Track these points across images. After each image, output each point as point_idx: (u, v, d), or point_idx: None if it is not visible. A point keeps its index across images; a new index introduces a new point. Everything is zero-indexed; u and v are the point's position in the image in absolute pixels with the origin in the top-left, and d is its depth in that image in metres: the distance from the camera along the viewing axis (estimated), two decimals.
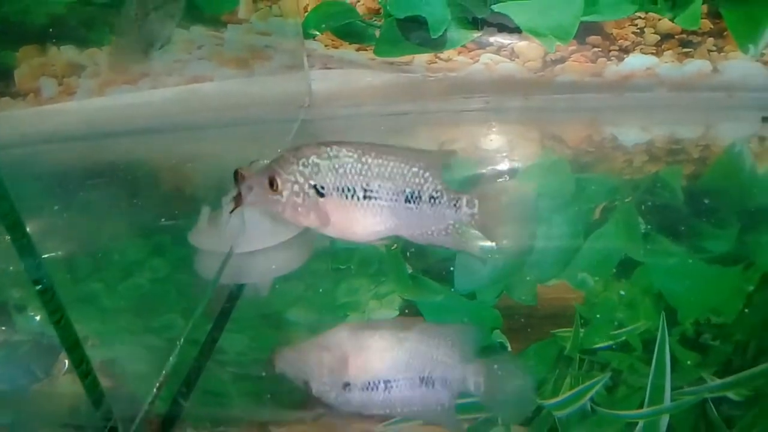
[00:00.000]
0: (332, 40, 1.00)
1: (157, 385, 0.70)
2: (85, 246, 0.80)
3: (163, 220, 0.93)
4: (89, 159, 0.91)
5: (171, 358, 0.72)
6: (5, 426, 0.74)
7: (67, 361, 0.75)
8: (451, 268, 0.91)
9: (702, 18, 0.95)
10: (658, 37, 0.97)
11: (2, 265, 0.85)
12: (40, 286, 0.61)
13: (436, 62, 1.03)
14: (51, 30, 0.96)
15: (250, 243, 0.82)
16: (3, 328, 0.84)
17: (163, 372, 0.71)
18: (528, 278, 0.90)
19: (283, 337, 0.83)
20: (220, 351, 0.75)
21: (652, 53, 1.00)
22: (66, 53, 0.98)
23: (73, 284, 0.72)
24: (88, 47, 0.93)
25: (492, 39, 0.99)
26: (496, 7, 0.98)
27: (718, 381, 0.73)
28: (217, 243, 0.82)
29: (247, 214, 0.84)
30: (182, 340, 0.74)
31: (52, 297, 0.62)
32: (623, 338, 0.80)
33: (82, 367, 0.64)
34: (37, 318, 0.81)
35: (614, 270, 0.89)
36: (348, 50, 1.00)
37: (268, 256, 0.85)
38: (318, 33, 1.00)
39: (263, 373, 0.76)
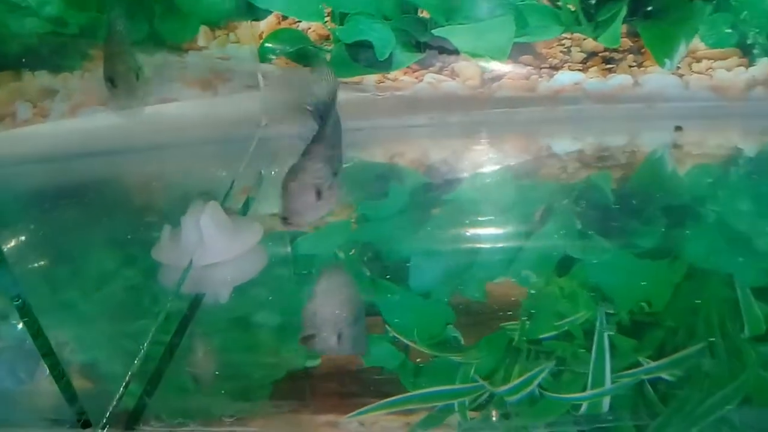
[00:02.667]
0: (287, 63, 1.05)
1: (125, 383, 0.74)
2: (61, 260, 0.82)
3: (128, 236, 0.92)
4: (63, 179, 0.93)
5: (136, 360, 0.77)
6: None
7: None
8: (407, 269, 0.97)
9: (622, 37, 1.01)
10: (584, 55, 1.04)
11: None
12: (17, 301, 0.65)
13: (384, 82, 1.08)
14: (25, 58, 0.99)
15: (207, 256, 0.86)
16: None
17: (129, 372, 0.75)
18: (477, 277, 0.95)
19: (242, 336, 0.87)
20: (182, 352, 0.79)
21: (579, 70, 1.06)
22: (40, 78, 1.01)
23: (51, 294, 0.75)
24: (61, 72, 0.95)
25: (434, 60, 1.05)
26: (436, 32, 1.04)
27: (653, 363, 0.78)
28: (177, 257, 0.87)
29: (204, 230, 0.88)
30: (146, 344, 0.79)
31: (27, 310, 0.66)
32: (565, 328, 0.83)
33: (56, 370, 0.68)
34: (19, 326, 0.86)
35: (554, 267, 0.94)
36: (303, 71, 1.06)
37: (226, 267, 0.89)
38: (274, 57, 1.04)
39: (222, 371, 0.80)
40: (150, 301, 0.91)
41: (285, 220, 0.67)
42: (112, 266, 0.95)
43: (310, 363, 0.81)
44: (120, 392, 0.74)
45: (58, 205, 0.99)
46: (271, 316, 0.91)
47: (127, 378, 0.76)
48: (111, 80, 0.85)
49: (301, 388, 0.80)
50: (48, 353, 0.69)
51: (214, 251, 0.88)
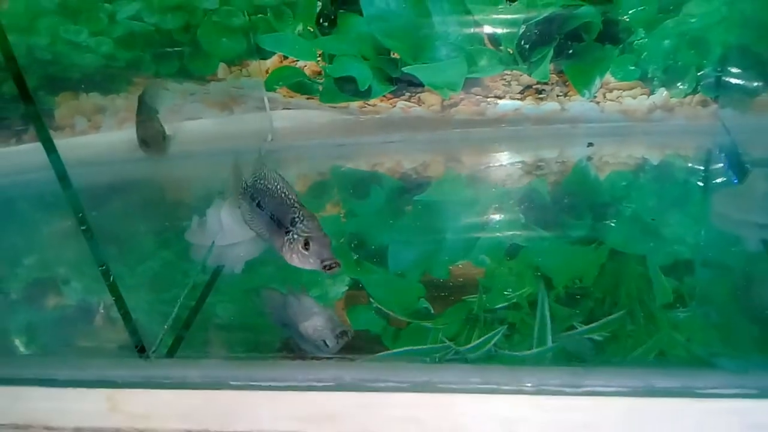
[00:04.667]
0: (288, 92, 1.21)
1: (166, 326, 0.91)
2: (114, 242, 0.95)
3: (166, 224, 1.11)
4: (113, 179, 1.06)
5: (175, 309, 0.95)
6: (75, 347, 0.96)
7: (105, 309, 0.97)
8: (386, 254, 1.10)
9: (550, 73, 1.16)
10: (521, 87, 1.18)
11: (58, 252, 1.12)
12: (102, 267, 0.80)
13: (365, 107, 1.23)
14: (83, 83, 1.15)
15: (226, 239, 1.04)
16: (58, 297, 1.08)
17: (171, 316, 0.93)
18: (443, 260, 1.10)
19: (250, 297, 1.04)
20: (208, 306, 0.97)
21: (518, 99, 1.21)
22: (93, 99, 1.17)
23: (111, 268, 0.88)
24: (110, 94, 1.11)
25: (404, 91, 1.20)
26: (405, 69, 1.18)
27: (585, 327, 0.92)
28: (203, 239, 1.05)
29: (224, 219, 1.04)
30: (182, 297, 0.96)
31: (107, 272, 0.80)
32: (514, 300, 0.99)
33: (124, 312, 0.83)
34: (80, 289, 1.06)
35: (504, 252, 1.09)
36: (300, 99, 1.21)
37: (240, 247, 1.06)
38: (277, 87, 1.20)
39: (235, 325, 0.98)
40: (185, 271, 1.07)
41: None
42: (153, 247, 1.11)
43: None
44: (163, 331, 0.91)
45: (110, 200, 1.11)
46: (272, 284, 1.04)
47: (168, 322, 0.93)
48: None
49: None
50: (119, 299, 0.83)
51: (230, 235, 1.04)
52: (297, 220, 0.83)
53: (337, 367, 0.84)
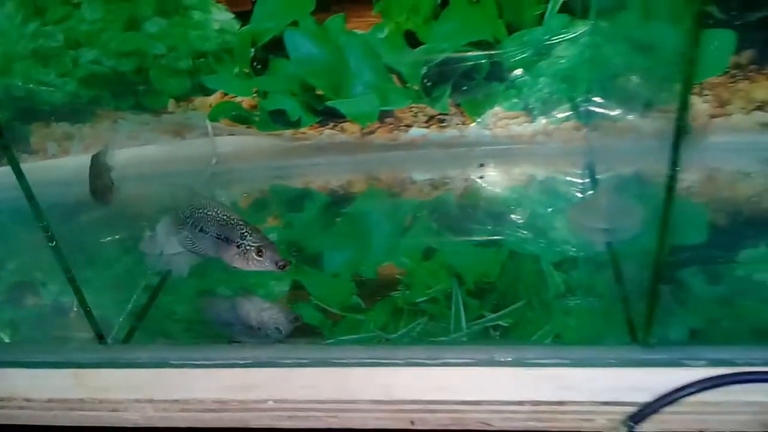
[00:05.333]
0: (229, 123, 1.32)
1: (121, 318, 1.04)
2: (79, 251, 1.06)
3: (124, 234, 1.21)
4: (79, 196, 1.15)
5: (129, 305, 1.07)
6: (47, 336, 1.08)
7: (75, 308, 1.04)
8: (322, 258, 1.21)
9: (450, 106, 1.27)
10: (427, 117, 1.29)
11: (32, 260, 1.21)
12: (69, 274, 0.93)
13: (297, 134, 1.32)
14: (53, 115, 1.28)
15: (172, 248, 1.12)
16: (33, 296, 1.18)
17: (126, 310, 1.05)
18: (370, 262, 1.21)
19: (197, 293, 1.16)
20: (158, 303, 1.08)
21: (425, 126, 1.31)
22: (62, 127, 1.31)
23: (76, 271, 0.97)
24: (76, 124, 1.24)
25: (329, 121, 1.31)
26: (328, 103, 1.28)
27: (493, 315, 1.03)
28: (154, 248, 1.15)
29: (170, 232, 1.14)
30: (135, 295, 1.08)
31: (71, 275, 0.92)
32: (432, 294, 1.10)
33: (84, 306, 0.95)
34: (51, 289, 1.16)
35: (421, 254, 1.20)
36: (241, 128, 1.32)
37: (184, 255, 1.13)
38: (220, 119, 1.32)
39: (181, 317, 1.10)
40: (138, 274, 1.16)
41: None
42: (111, 255, 1.21)
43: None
44: (119, 323, 1.03)
45: (76, 214, 1.21)
46: (213, 283, 1.16)
47: (123, 315, 1.05)
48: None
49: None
50: (82, 297, 0.94)
51: (176, 246, 1.13)
52: (246, 234, 0.98)
53: (255, 348, 0.96)
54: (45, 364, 0.97)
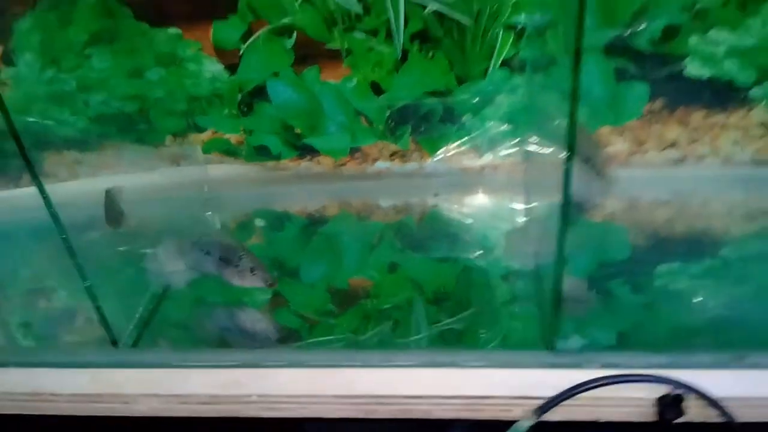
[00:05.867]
0: (220, 156, 1.37)
1: (132, 324, 1.13)
2: (93, 265, 1.10)
3: (131, 251, 1.27)
4: (93, 215, 1.21)
5: (137, 314, 1.15)
6: (62, 345, 1.15)
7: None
8: (299, 271, 1.27)
9: (411, 143, 1.32)
10: (390, 152, 1.34)
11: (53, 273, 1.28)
12: (86, 285, 1.02)
13: (278, 166, 1.36)
14: (64, 145, 1.33)
15: (173, 266, 1.21)
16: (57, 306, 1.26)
17: (134, 320, 1.14)
18: (343, 275, 1.27)
19: (192, 305, 1.23)
20: (160, 312, 1.17)
21: (389, 160, 1.35)
22: (73, 155, 1.35)
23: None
24: (85, 152, 1.26)
25: (306, 154, 1.35)
26: (305, 140, 1.33)
27: (449, 320, 1.11)
28: (157, 265, 1.22)
29: (171, 251, 1.22)
30: (142, 306, 1.16)
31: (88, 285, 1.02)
32: (398, 301, 1.18)
33: (100, 315, 1.05)
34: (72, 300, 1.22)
35: (387, 268, 1.26)
36: (230, 160, 1.37)
37: (183, 272, 1.22)
38: (211, 152, 1.36)
39: (182, 323, 1.18)
40: (144, 287, 1.22)
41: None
42: (121, 268, 1.27)
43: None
44: (129, 330, 1.11)
45: (84, 232, 1.23)
46: (207, 295, 1.22)
47: (133, 323, 1.13)
48: (108, 220, 1.21)
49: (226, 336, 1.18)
50: (98, 307, 1.04)
51: (176, 263, 1.21)
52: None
53: (242, 352, 1.07)
54: (68, 365, 1.05)
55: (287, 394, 0.98)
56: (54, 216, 0.98)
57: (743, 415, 0.90)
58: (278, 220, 1.43)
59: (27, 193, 1.29)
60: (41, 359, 1.07)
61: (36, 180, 0.95)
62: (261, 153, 1.39)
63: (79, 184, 1.41)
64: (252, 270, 1.12)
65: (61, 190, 1.39)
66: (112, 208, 1.21)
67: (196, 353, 1.08)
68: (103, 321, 1.06)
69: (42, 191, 0.96)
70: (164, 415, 1.03)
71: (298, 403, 0.99)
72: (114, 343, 1.08)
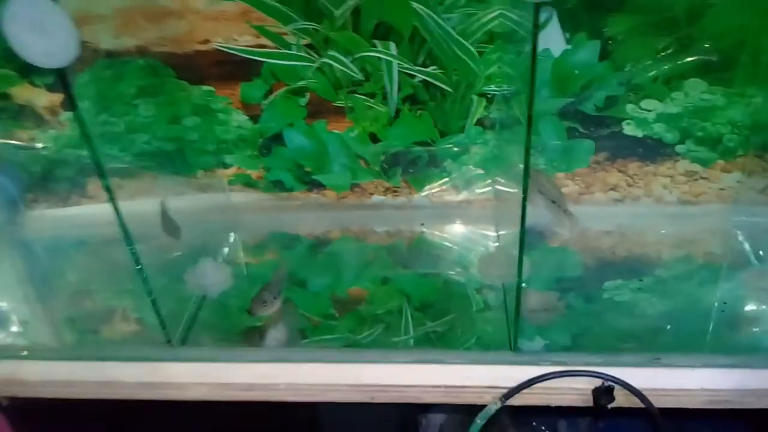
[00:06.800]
0: (241, 187, 1.45)
1: (181, 326, 1.24)
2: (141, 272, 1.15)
3: (173, 265, 1.32)
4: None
5: (183, 319, 1.25)
6: (132, 340, 1.25)
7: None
8: (307, 282, 1.37)
9: (401, 181, 1.40)
10: (384, 188, 1.42)
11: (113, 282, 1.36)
12: (139, 266, 1.09)
13: (290, 197, 1.43)
14: (108, 172, 1.23)
15: (208, 280, 1.34)
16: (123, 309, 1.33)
17: (181, 323, 1.24)
18: (343, 285, 1.38)
19: (228, 311, 1.32)
20: (200, 317, 1.28)
21: (383, 195, 1.48)
22: (114, 180, 1.19)
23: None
24: (125, 178, 1.22)
25: (314, 188, 1.44)
26: (314, 176, 1.40)
27: (431, 324, 1.24)
28: (196, 279, 1.32)
29: (207, 268, 1.33)
30: (187, 312, 1.26)
31: (146, 279, 1.11)
32: (390, 309, 1.29)
33: (160, 319, 1.15)
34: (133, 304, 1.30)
35: (380, 281, 1.37)
36: (250, 191, 1.45)
37: (217, 286, 1.34)
38: (236, 185, 1.44)
39: (219, 326, 1.27)
40: (186, 296, 1.31)
41: (248, 312, 1.21)
42: (170, 279, 1.30)
43: (259, 323, 1.26)
44: (179, 331, 1.22)
45: (119, 245, 1.26)
46: (237, 302, 1.32)
47: (182, 326, 1.23)
48: (166, 231, 1.27)
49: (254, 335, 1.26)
50: (158, 313, 1.15)
51: (212, 278, 1.35)
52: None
53: (272, 351, 1.20)
54: (134, 358, 1.17)
55: (309, 383, 1.12)
56: (124, 229, 1.04)
57: (659, 402, 1.06)
58: (290, 241, 1.52)
59: (75, 211, 1.51)
60: (110, 354, 1.19)
61: (112, 200, 1.03)
62: (277, 186, 1.48)
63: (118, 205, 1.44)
64: (264, 302, 1.21)
65: (103, 210, 1.50)
66: (169, 220, 1.26)
67: (236, 351, 1.21)
68: (161, 323, 1.17)
69: (116, 209, 1.03)
70: (211, 399, 1.14)
71: (317, 390, 1.12)
72: (169, 341, 1.19)
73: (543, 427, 1.46)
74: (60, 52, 0.80)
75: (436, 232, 1.51)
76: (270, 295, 1.22)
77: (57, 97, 1.38)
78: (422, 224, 1.50)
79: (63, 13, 0.80)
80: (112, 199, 1.02)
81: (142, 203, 1.18)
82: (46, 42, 0.79)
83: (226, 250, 1.50)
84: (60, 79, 0.89)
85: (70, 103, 0.94)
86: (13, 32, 0.78)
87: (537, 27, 0.85)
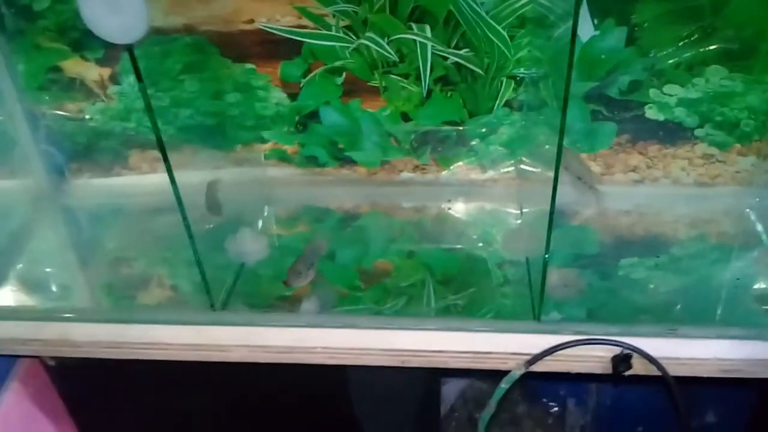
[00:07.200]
0: (277, 162, 1.49)
1: (222, 292, 1.28)
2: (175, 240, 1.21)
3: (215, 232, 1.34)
4: (162, 204, 1.18)
5: (227, 280, 1.31)
6: (179, 304, 1.30)
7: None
8: (335, 254, 1.41)
9: (429, 159, 1.39)
10: (413, 166, 1.43)
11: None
12: (190, 235, 1.12)
13: (324, 172, 1.46)
14: (150, 145, 1.42)
15: (247, 248, 1.36)
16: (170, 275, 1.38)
17: (224, 287, 1.29)
18: (369, 257, 1.42)
19: (266, 278, 1.36)
20: (239, 283, 1.32)
21: (411, 172, 1.52)
22: (154, 153, 1.44)
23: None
24: (167, 151, 1.17)
25: (346, 164, 1.46)
26: (347, 153, 1.41)
27: (452, 297, 1.28)
28: (235, 248, 1.35)
29: (246, 238, 1.36)
30: (229, 279, 1.31)
31: (195, 250, 1.15)
32: (414, 281, 1.33)
33: (205, 284, 1.20)
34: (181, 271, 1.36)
35: (405, 256, 1.41)
36: (285, 165, 1.49)
37: (254, 254, 1.37)
38: (271, 159, 1.48)
39: (254, 291, 1.31)
40: (229, 263, 1.35)
41: (284, 283, 1.23)
42: (212, 247, 1.29)
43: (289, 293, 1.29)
44: (221, 296, 1.27)
45: (162, 216, 1.41)
46: (273, 272, 1.35)
47: (224, 291, 1.28)
48: (209, 208, 1.31)
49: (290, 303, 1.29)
50: (204, 277, 1.19)
51: (251, 247, 1.38)
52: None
53: (308, 317, 1.24)
54: (178, 322, 1.21)
55: (344, 347, 1.16)
56: (179, 200, 1.08)
57: (674, 371, 1.11)
58: (321, 215, 1.55)
59: (117, 181, 1.56)
60: (159, 317, 1.23)
61: (169, 172, 1.06)
62: (310, 161, 1.53)
63: (158, 177, 1.43)
64: (299, 273, 1.24)
65: (145, 181, 1.56)
66: (213, 198, 1.30)
67: (275, 315, 1.26)
68: (206, 288, 1.21)
69: (173, 180, 1.07)
70: (251, 361, 1.18)
71: (351, 354, 1.17)
72: (212, 306, 1.23)
73: (552, 403, 1.54)
74: (132, 28, 0.84)
75: (461, 209, 1.54)
76: (304, 266, 1.24)
77: (106, 71, 1.43)
78: (448, 201, 1.54)
79: None
80: (169, 169, 1.05)
81: (182, 175, 1.17)
82: (120, 19, 0.83)
83: (260, 222, 1.53)
84: (129, 55, 0.94)
85: (137, 78, 0.99)
86: (90, 11, 0.83)
87: (577, 14, 0.88)
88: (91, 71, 1.43)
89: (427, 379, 1.40)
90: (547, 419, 1.54)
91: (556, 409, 1.55)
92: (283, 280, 1.23)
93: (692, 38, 1.29)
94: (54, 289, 1.40)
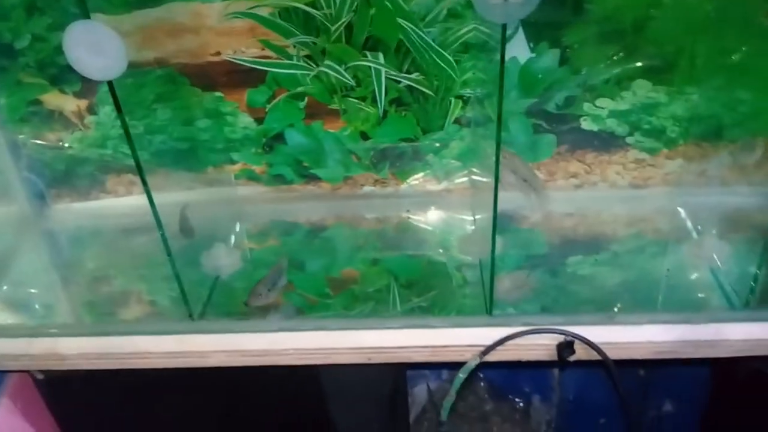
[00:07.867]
0: (246, 181, 1.51)
1: (201, 303, 1.30)
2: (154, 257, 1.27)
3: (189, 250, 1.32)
4: (141, 224, 1.20)
5: (205, 296, 1.32)
6: (159, 315, 1.32)
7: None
8: (305, 263, 1.44)
9: (388, 174, 1.53)
10: (373, 180, 1.55)
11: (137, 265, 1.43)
12: (170, 255, 1.15)
13: (290, 188, 1.54)
14: (125, 170, 1.45)
15: (222, 262, 1.40)
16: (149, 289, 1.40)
17: (201, 299, 1.31)
18: (337, 266, 1.45)
19: (236, 291, 1.37)
20: (216, 293, 1.35)
21: (372, 186, 1.54)
22: (129, 177, 1.47)
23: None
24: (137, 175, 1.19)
25: (311, 181, 1.47)
26: (311, 170, 1.52)
27: (417, 299, 1.32)
28: (209, 262, 1.39)
29: (220, 253, 1.40)
30: (206, 285, 1.34)
31: (173, 265, 1.17)
32: (379, 287, 1.35)
33: (184, 297, 1.22)
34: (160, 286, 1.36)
35: (369, 263, 1.44)
36: (254, 183, 1.51)
37: (228, 267, 1.40)
38: (241, 179, 1.50)
39: (227, 301, 1.32)
40: (203, 277, 1.37)
41: (245, 303, 1.25)
42: (188, 262, 1.29)
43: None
44: (200, 307, 1.30)
45: (139, 236, 1.44)
46: (248, 283, 1.33)
47: (202, 301, 1.30)
48: (182, 231, 1.31)
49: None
50: (182, 291, 1.21)
51: (226, 261, 1.41)
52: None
53: (281, 323, 1.25)
54: (160, 332, 1.23)
55: (314, 347, 1.19)
56: (157, 219, 1.11)
57: (613, 355, 1.15)
58: (290, 228, 1.58)
59: (95, 205, 1.59)
60: (140, 328, 1.26)
61: (148, 194, 1.10)
62: (278, 180, 1.55)
63: (134, 199, 1.54)
64: (259, 294, 1.27)
65: (121, 203, 1.59)
66: (185, 222, 1.32)
67: (249, 322, 1.28)
68: (184, 299, 1.24)
69: (152, 201, 1.10)
70: (229, 365, 1.21)
71: (321, 354, 1.20)
72: (190, 316, 1.26)
73: (518, 399, 1.60)
74: (113, 68, 0.91)
75: (420, 218, 1.57)
76: (264, 288, 1.27)
77: (83, 103, 1.45)
78: (407, 211, 1.57)
79: (116, 35, 0.89)
80: (147, 191, 1.09)
81: (158, 196, 1.20)
82: (103, 61, 0.89)
83: (233, 237, 1.54)
84: (110, 90, 1.00)
85: (116, 109, 1.04)
86: (76, 54, 0.90)
87: (504, 43, 0.97)
88: (69, 103, 1.45)
89: (393, 374, 1.42)
90: (514, 414, 1.58)
91: (521, 404, 1.58)
92: (244, 300, 1.27)
93: (618, 56, 1.35)
94: (39, 307, 1.41)
